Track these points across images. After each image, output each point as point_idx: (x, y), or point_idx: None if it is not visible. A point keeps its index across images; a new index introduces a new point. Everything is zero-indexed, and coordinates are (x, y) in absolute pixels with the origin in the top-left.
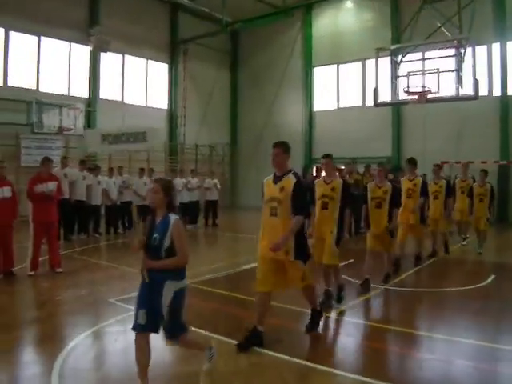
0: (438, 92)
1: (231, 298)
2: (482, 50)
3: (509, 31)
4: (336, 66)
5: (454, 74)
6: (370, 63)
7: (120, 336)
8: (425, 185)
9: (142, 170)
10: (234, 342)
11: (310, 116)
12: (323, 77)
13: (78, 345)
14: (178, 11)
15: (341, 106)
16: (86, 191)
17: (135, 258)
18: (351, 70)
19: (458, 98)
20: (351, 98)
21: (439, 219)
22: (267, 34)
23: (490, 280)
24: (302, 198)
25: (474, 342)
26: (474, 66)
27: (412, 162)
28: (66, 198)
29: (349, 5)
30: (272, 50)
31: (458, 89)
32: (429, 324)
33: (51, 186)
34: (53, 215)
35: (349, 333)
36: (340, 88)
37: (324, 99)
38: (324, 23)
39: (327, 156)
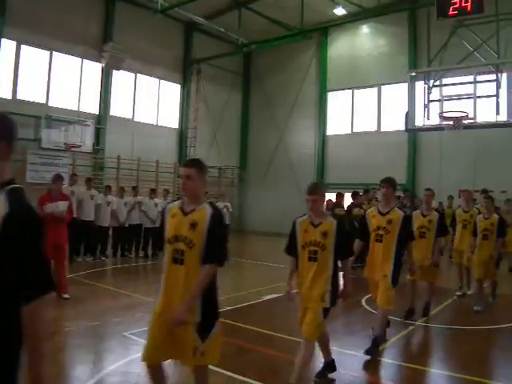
0: (474, 118)
1: (254, 333)
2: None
3: None
4: (351, 91)
5: (491, 99)
6: (386, 89)
7: (140, 379)
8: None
9: (153, 190)
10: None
11: (323, 140)
12: (337, 101)
13: None
14: (192, 30)
15: (355, 130)
16: (94, 211)
17: (146, 284)
18: (367, 95)
19: (496, 125)
20: (366, 123)
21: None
22: (281, 56)
23: None
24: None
25: None
26: (511, 92)
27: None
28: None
29: (365, 30)
30: (285, 73)
31: (496, 115)
32: (462, 365)
33: (62, 206)
34: (62, 237)
35: (381, 374)
36: (354, 113)
37: (338, 124)
38: (339, 47)
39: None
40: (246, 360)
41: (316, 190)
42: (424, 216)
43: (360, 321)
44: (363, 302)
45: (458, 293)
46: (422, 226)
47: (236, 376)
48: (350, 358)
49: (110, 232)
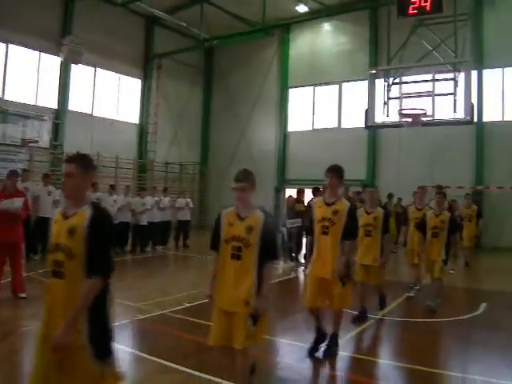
0: (432, 115)
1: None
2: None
3: (485, 59)
4: (312, 87)
5: (448, 97)
6: (347, 86)
7: None
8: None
9: (112, 186)
10: (219, 380)
11: (284, 137)
12: (299, 98)
13: None
14: (153, 25)
15: (315, 127)
16: (51, 208)
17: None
18: (327, 92)
19: (453, 122)
20: (327, 120)
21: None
22: (243, 52)
23: (482, 309)
24: None
25: (464, 375)
26: (469, 90)
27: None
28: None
29: (327, 27)
30: (247, 69)
31: (453, 112)
32: (423, 357)
33: (17, 202)
34: (17, 234)
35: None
36: (315, 109)
37: (299, 120)
38: (301, 44)
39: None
40: (207, 357)
41: (245, 176)
42: (368, 214)
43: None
44: None
45: (410, 293)
46: (367, 223)
47: (196, 373)
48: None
49: None
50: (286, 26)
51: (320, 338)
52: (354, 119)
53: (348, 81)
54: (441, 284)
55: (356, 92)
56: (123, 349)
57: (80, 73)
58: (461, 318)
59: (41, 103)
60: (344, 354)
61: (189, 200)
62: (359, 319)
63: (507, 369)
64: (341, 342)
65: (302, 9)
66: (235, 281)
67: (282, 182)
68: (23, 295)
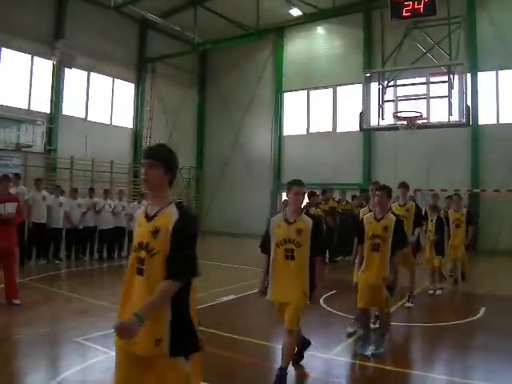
0: (427, 118)
1: (212, 335)
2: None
3: (480, 61)
4: (306, 91)
5: (444, 100)
6: (341, 89)
7: None
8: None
9: (106, 191)
10: None
11: (279, 141)
12: (293, 102)
13: None
14: (147, 29)
15: (311, 131)
16: (46, 213)
17: (100, 288)
18: (322, 95)
19: (448, 125)
20: (321, 124)
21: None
22: (237, 56)
23: (481, 313)
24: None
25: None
26: (464, 93)
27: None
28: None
29: (320, 31)
30: (241, 73)
31: (448, 115)
32: (423, 362)
33: (9, 207)
34: (11, 240)
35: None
36: (310, 113)
37: (293, 124)
38: (295, 48)
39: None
40: (203, 363)
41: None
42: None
43: (318, 320)
44: (321, 301)
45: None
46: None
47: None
48: (309, 358)
49: (64, 234)
50: (280, 29)
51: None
52: (349, 123)
53: (342, 84)
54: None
55: (351, 95)
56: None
57: (73, 77)
58: (461, 322)
59: (34, 107)
60: (342, 359)
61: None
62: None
63: (509, 373)
64: (339, 347)
65: (295, 12)
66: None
67: (278, 186)
68: (17, 302)
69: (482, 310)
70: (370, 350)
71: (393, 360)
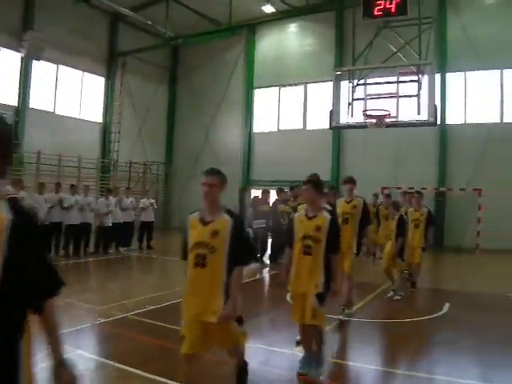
0: (397, 116)
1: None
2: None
3: (449, 62)
4: (278, 88)
5: (413, 99)
6: (312, 87)
7: None
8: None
9: (73, 186)
10: None
11: (250, 137)
12: (264, 98)
13: None
14: (118, 22)
15: (281, 128)
16: None
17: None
18: (293, 93)
19: (416, 124)
20: (292, 121)
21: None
22: (209, 52)
23: (446, 309)
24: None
25: (431, 376)
26: (433, 93)
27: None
28: None
29: (293, 28)
30: (213, 69)
31: (416, 114)
32: (388, 358)
33: None
34: None
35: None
36: (281, 110)
37: (264, 121)
38: (267, 45)
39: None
40: (170, 361)
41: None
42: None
43: (285, 317)
44: (288, 297)
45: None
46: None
47: (159, 379)
48: (276, 355)
49: None
50: (253, 26)
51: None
52: (320, 120)
53: (313, 82)
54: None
55: (321, 93)
56: (82, 354)
57: (42, 69)
58: (425, 318)
59: (0, 100)
60: None
61: (152, 201)
62: None
63: (473, 368)
64: None
65: (268, 9)
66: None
67: (248, 183)
68: None
69: (447, 306)
70: (311, 373)
71: (357, 356)
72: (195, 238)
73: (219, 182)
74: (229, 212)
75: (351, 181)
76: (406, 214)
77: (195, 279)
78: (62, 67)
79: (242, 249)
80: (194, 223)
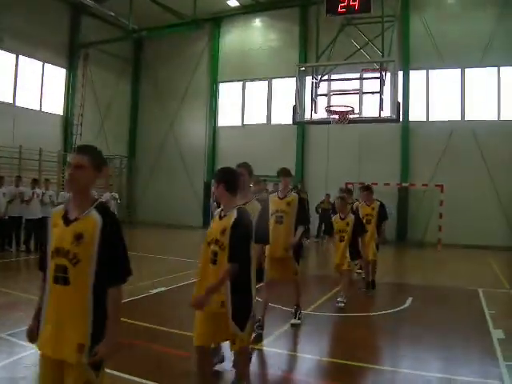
0: (360, 113)
1: (140, 328)
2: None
3: (411, 60)
4: (242, 83)
5: (376, 96)
6: (276, 82)
7: (26, 382)
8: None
9: (35, 181)
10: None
11: (214, 132)
12: (229, 93)
13: None
14: (80, 13)
15: (245, 122)
16: None
17: (27, 281)
18: (257, 87)
19: (379, 120)
20: (256, 116)
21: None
22: (172, 45)
23: (408, 303)
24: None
25: (395, 369)
26: (395, 90)
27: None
28: None
29: (257, 23)
30: (177, 63)
31: (379, 111)
32: (353, 352)
33: None
34: None
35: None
36: (245, 105)
37: (229, 115)
38: (232, 39)
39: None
40: (131, 357)
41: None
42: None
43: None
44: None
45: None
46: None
47: (121, 374)
48: None
49: None
50: (217, 20)
51: None
52: (284, 115)
53: (278, 77)
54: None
55: (285, 88)
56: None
57: (0, 59)
58: (388, 311)
59: None
60: (273, 350)
61: (115, 194)
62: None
63: (434, 361)
64: (271, 338)
65: (233, 3)
66: None
67: (212, 177)
68: None
69: (409, 300)
70: None
71: (320, 350)
72: (55, 242)
73: (90, 164)
74: (100, 208)
75: (285, 173)
76: (356, 209)
77: (54, 299)
78: (21, 57)
79: (115, 261)
80: (56, 220)
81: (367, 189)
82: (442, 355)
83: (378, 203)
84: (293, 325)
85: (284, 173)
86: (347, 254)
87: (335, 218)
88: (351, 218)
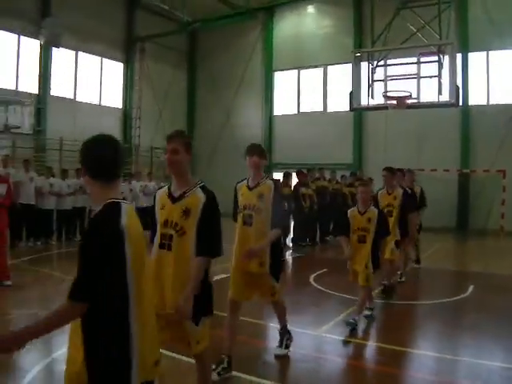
0: (418, 98)
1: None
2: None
3: (470, 42)
4: (297, 71)
5: (434, 80)
6: (332, 69)
7: None
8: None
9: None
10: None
11: (270, 120)
12: (284, 81)
13: (36, 378)
14: (135, 7)
15: (301, 110)
16: (34, 194)
17: None
18: (312, 75)
19: (438, 105)
20: (312, 104)
21: None
22: (227, 35)
23: (469, 292)
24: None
25: (456, 358)
26: (454, 73)
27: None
28: None
29: (311, 10)
30: (231, 53)
31: (438, 95)
32: (413, 340)
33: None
34: (1, 221)
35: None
36: (301, 93)
37: (284, 104)
38: (285, 27)
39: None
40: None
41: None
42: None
43: (308, 298)
44: (311, 279)
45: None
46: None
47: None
48: (299, 335)
49: (55, 215)
50: (270, 9)
51: None
52: (340, 102)
53: (333, 64)
54: None
55: (341, 75)
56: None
57: (61, 56)
58: (450, 299)
59: (22, 88)
60: (333, 336)
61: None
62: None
63: (497, 351)
64: (331, 324)
65: None
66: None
67: (268, 166)
68: (8, 283)
69: (471, 288)
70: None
71: (382, 337)
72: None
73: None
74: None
75: (389, 170)
76: (375, 200)
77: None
78: (80, 54)
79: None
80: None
81: (388, 170)
82: (505, 345)
83: (401, 190)
84: (277, 356)
85: (254, 151)
86: (370, 264)
87: (352, 212)
88: (374, 211)
